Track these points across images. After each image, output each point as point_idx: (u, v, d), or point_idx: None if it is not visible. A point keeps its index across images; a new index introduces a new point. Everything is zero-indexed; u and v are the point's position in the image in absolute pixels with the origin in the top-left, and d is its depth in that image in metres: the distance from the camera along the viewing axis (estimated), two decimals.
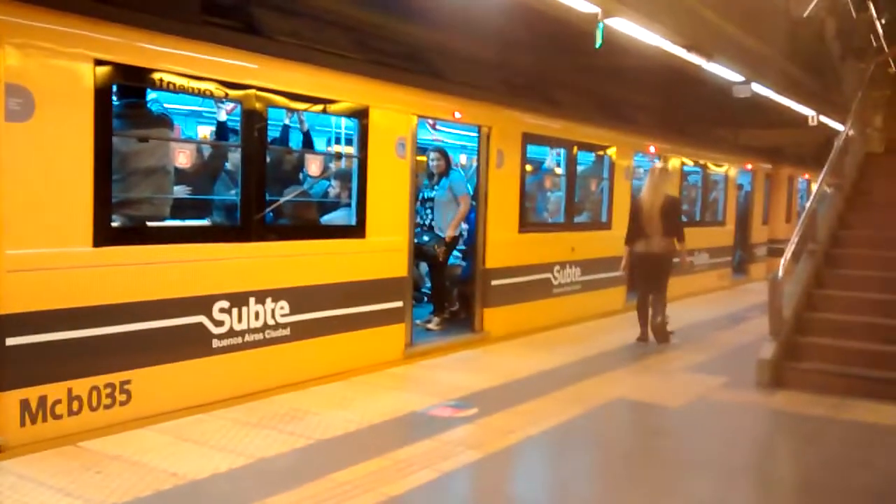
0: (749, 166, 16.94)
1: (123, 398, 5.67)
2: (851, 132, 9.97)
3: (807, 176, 20.24)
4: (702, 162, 14.97)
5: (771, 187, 18.48)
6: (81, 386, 5.41)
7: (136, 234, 5.94)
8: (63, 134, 5.29)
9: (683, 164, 14.21)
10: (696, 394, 7.11)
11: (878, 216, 9.37)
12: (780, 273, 7.26)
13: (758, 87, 12.35)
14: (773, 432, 6.54)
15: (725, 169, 15.92)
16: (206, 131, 8.36)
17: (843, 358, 7.43)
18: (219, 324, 6.32)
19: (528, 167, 10.55)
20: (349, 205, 7.77)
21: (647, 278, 9.32)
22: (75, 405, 5.37)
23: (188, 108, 9.02)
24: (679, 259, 9.32)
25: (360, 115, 7.55)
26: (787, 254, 7.60)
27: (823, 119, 16.53)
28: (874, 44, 12.69)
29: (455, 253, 9.71)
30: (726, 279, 16.11)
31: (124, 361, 5.67)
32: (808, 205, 8.52)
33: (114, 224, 5.70)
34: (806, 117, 16.88)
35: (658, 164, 10.83)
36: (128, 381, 5.69)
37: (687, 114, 15.80)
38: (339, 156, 8.68)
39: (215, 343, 6.30)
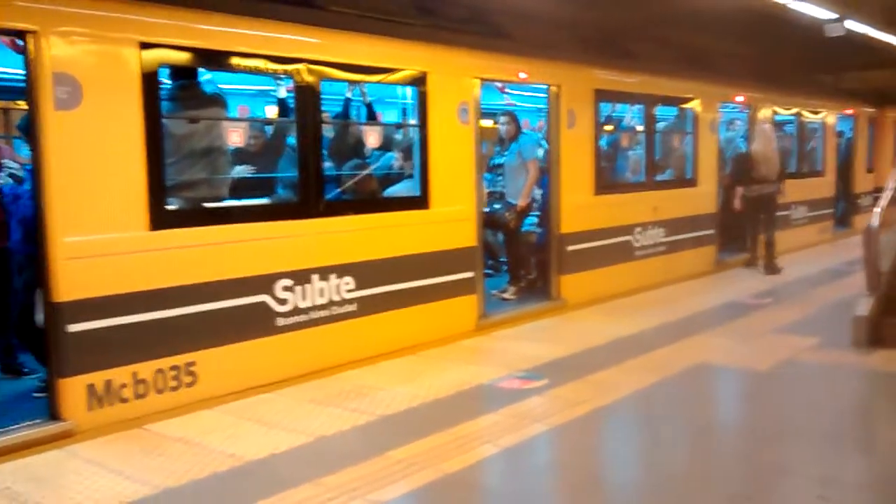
0: (849, 111, 15.88)
1: (189, 380, 5.70)
2: None
3: None
4: (796, 110, 14.09)
5: (876, 132, 17.30)
6: (146, 369, 5.46)
7: (193, 215, 5.93)
8: (112, 119, 5.30)
9: (775, 112, 13.40)
10: (786, 356, 6.67)
11: None
12: (876, 222, 6.70)
13: (852, 25, 11.47)
14: (871, 394, 6.03)
15: (823, 116, 14.95)
16: (273, 110, 8.30)
17: None
18: (282, 302, 6.28)
19: (604, 126, 10.11)
20: (412, 176, 7.60)
21: (762, 215, 11.36)
22: (141, 388, 5.43)
23: (254, 87, 9.04)
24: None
25: (418, 81, 7.34)
26: (884, 201, 6.99)
27: None
28: None
29: (531, 219, 9.43)
30: (827, 232, 15.21)
31: (188, 343, 5.69)
32: None
33: (169, 207, 5.70)
34: None
35: (767, 123, 12.11)
36: (192, 363, 5.72)
37: (776, 59, 14.90)
38: (399, 126, 8.50)
39: (280, 321, 6.27)
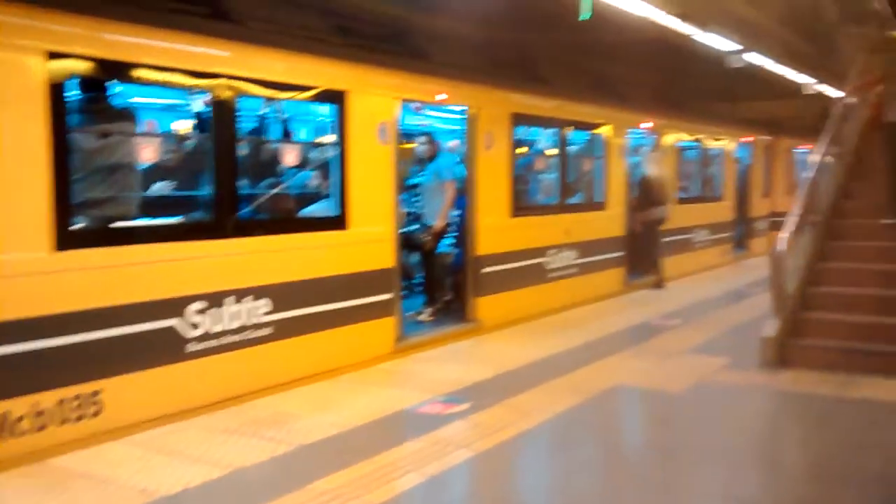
0: (748, 139, 16.58)
1: (94, 410, 5.37)
2: (851, 99, 9.61)
3: (808, 146, 19.85)
4: (698, 136, 14.60)
5: (770, 159, 18.11)
6: (47, 399, 5.12)
7: (101, 235, 5.62)
8: (14, 132, 4.97)
9: (679, 139, 13.84)
10: (697, 377, 6.83)
11: (880, 184, 9.03)
12: (783, 246, 6.95)
13: (752, 57, 12.01)
14: (781, 415, 6.24)
15: (723, 142, 15.55)
16: (183, 125, 7.96)
17: (849, 333, 7.13)
18: (194, 326, 6.02)
19: (519, 149, 10.21)
20: (329, 196, 7.45)
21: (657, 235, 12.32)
22: (41, 420, 5.08)
23: (162, 101, 8.68)
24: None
25: (338, 100, 7.22)
26: (790, 227, 7.27)
27: (820, 87, 16.18)
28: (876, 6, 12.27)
29: (447, 240, 9.40)
30: (727, 255, 15.79)
31: (93, 371, 5.38)
32: (808, 175, 8.19)
33: (76, 226, 5.39)
34: (801, 86, 16.53)
35: (656, 151, 12.84)
36: (98, 392, 5.40)
37: (681, 88, 15.46)
38: (317, 144, 8.34)
39: (191, 347, 6.00)
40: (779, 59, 13.59)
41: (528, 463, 5.12)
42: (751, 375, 6.88)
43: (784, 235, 7.13)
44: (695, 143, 14.52)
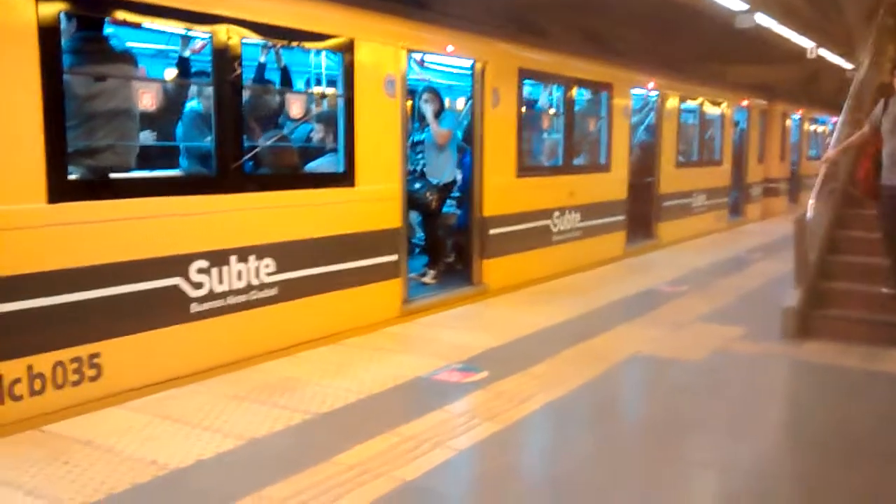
0: (745, 103, 16.31)
1: (92, 373, 5.03)
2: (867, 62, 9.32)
3: (800, 112, 19.67)
4: (699, 99, 14.29)
5: (766, 125, 17.88)
6: (43, 362, 4.77)
7: (99, 187, 5.22)
8: (4, 74, 4.54)
9: (680, 101, 13.54)
10: (716, 346, 6.59)
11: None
12: (810, 214, 6.69)
13: (760, 17, 11.67)
14: (808, 387, 5.94)
15: (723, 106, 15.27)
16: (183, 72, 7.44)
17: (870, 304, 6.92)
18: (197, 286, 5.66)
19: (525, 107, 9.84)
20: (335, 150, 7.06)
21: None
22: (37, 384, 4.73)
23: (152, 46, 8.18)
24: None
25: (345, 49, 6.80)
26: (814, 193, 7.01)
27: (822, 52, 15.90)
28: None
29: (449, 201, 9.06)
30: (723, 221, 15.60)
31: (91, 332, 5.02)
32: (831, 141, 7.91)
33: (71, 176, 4.99)
34: (801, 50, 16.24)
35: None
36: (96, 355, 5.05)
37: (678, 49, 15.11)
38: (323, 96, 7.92)
39: (194, 307, 5.65)
40: (781, 21, 13.26)
41: (561, 436, 4.81)
42: (771, 346, 6.65)
43: (812, 202, 6.87)
44: (695, 106, 14.21)
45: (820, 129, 22.79)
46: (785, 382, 6.05)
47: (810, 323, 6.83)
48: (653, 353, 6.44)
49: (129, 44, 6.37)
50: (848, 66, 19.21)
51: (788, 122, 19.41)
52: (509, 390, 5.35)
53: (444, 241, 9.09)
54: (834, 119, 23.50)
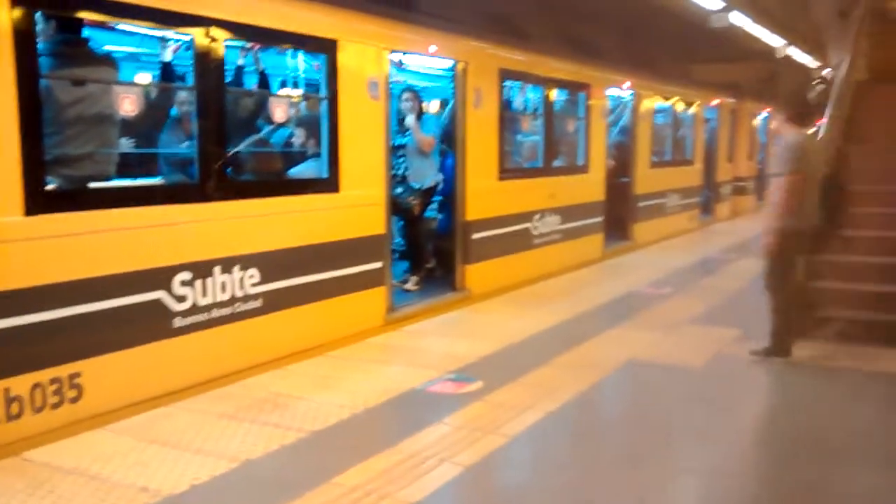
0: (716, 102, 16.37)
1: (73, 395, 4.77)
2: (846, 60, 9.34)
3: (767, 111, 19.83)
4: (673, 99, 14.28)
5: (735, 124, 17.98)
6: (21, 384, 4.50)
7: (78, 197, 4.96)
8: None
9: (655, 101, 13.51)
10: (714, 350, 6.51)
11: (874, 148, 8.83)
12: None
13: (735, 17, 11.70)
14: (814, 391, 5.70)
15: (695, 105, 15.29)
16: (164, 76, 7.11)
17: (858, 303, 6.91)
18: (180, 299, 5.42)
19: (506, 109, 9.71)
20: (318, 155, 6.86)
21: None
22: (14, 408, 4.46)
23: (123, 49, 7.90)
24: None
25: (328, 50, 6.60)
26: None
27: (790, 50, 16.03)
28: None
29: (432, 205, 8.89)
30: (695, 220, 15.63)
31: (71, 351, 4.75)
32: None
33: (49, 187, 4.73)
34: (767, 48, 16.37)
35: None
36: (77, 375, 4.79)
37: (656, 49, 15.15)
38: (307, 98, 7.71)
39: (178, 322, 5.41)
40: (754, 20, 13.33)
41: (570, 449, 4.64)
42: None
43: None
44: (668, 106, 14.20)
45: None
46: (789, 388, 5.90)
47: (801, 323, 6.77)
48: (650, 359, 6.32)
49: (108, 47, 6.09)
50: (814, 64, 19.47)
51: (756, 121, 19.55)
52: (507, 401, 5.20)
53: (425, 245, 8.92)
54: None
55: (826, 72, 21.63)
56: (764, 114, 19.88)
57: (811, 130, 6.55)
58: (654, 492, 4.04)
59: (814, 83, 26.29)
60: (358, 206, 6.96)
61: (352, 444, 4.50)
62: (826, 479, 4.16)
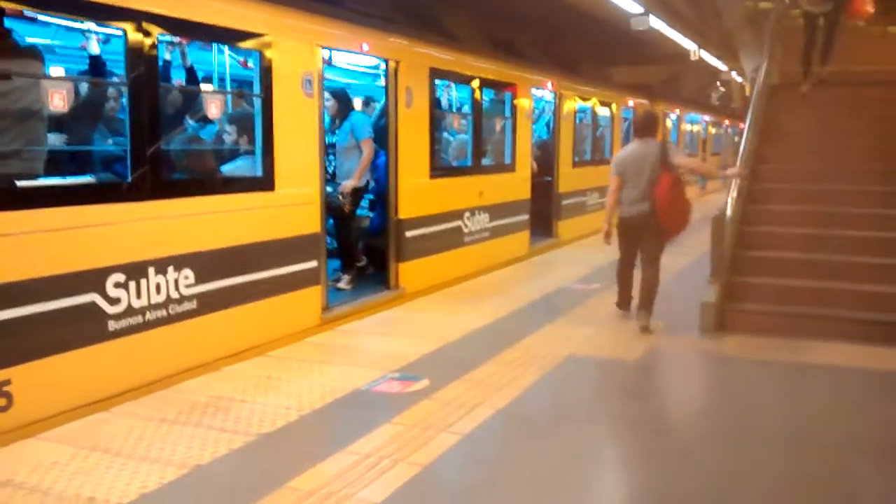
0: (631, 103, 16.79)
1: (2, 403, 4.53)
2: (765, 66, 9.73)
3: (677, 111, 20.46)
4: (592, 99, 14.57)
5: None
6: None
7: (5, 197, 4.70)
8: None
9: (577, 101, 13.76)
10: (646, 343, 6.67)
11: (790, 148, 9.25)
12: (728, 212, 6.88)
13: (654, 20, 12.02)
14: (749, 383, 5.83)
15: (612, 106, 15.64)
16: (93, 70, 6.77)
17: (783, 297, 7.19)
18: (114, 301, 5.21)
19: (436, 108, 9.71)
20: (253, 152, 6.70)
21: None
22: None
23: (42, 41, 7.56)
24: None
25: (263, 46, 6.46)
26: (733, 191, 7.22)
27: (701, 53, 16.59)
28: None
29: (363, 203, 8.82)
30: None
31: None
32: (733, 140, 8.18)
33: None
34: (680, 51, 16.90)
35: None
36: (6, 382, 4.56)
37: (576, 51, 15.43)
38: (240, 95, 7.52)
39: (112, 325, 5.21)
40: (669, 23, 13.74)
41: (526, 445, 4.58)
42: (696, 341, 6.81)
43: (729, 199, 7.06)
44: (588, 107, 14.48)
45: (694, 128, 23.78)
46: (727, 379, 6.05)
47: (727, 317, 7.02)
48: (588, 354, 6.42)
49: (32, 40, 5.81)
50: (723, 67, 20.21)
51: (668, 122, 20.13)
52: (456, 398, 5.21)
53: (356, 244, 8.84)
54: (706, 118, 24.68)
55: (729, 75, 22.54)
56: (674, 114, 20.51)
57: (649, 141, 6.99)
58: (603, 482, 4.11)
59: (718, 85, 27.38)
60: (293, 204, 6.85)
61: (302, 447, 4.42)
62: (755, 465, 4.31)
